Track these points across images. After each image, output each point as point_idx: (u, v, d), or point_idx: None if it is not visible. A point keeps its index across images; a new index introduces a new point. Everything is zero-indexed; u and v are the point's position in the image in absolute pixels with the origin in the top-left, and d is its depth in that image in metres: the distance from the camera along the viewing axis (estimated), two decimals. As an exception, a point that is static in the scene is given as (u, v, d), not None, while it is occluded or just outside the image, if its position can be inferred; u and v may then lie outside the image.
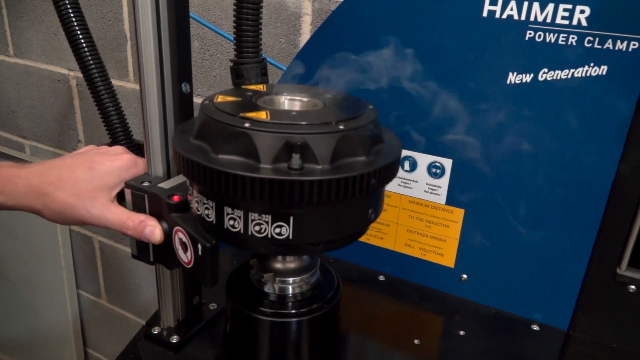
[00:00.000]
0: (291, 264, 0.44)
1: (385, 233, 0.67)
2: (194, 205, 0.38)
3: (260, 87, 0.45)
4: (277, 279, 0.43)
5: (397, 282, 0.67)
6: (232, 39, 0.85)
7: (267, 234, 0.35)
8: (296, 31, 0.84)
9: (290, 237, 0.35)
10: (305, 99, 0.42)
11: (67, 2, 0.56)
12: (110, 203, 0.43)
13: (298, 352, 0.44)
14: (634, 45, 0.47)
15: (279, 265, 0.44)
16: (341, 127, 0.35)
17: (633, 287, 0.54)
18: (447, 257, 0.63)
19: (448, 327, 0.60)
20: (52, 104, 1.23)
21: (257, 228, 0.35)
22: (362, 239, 0.68)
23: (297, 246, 0.37)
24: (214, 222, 0.36)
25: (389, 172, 0.37)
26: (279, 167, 0.33)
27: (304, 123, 0.35)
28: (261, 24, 0.55)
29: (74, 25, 0.56)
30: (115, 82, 1.10)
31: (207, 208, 0.36)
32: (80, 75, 1.14)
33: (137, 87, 1.09)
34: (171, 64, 0.44)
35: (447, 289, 0.64)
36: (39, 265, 1.36)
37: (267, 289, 0.43)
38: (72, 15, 0.56)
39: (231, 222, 0.35)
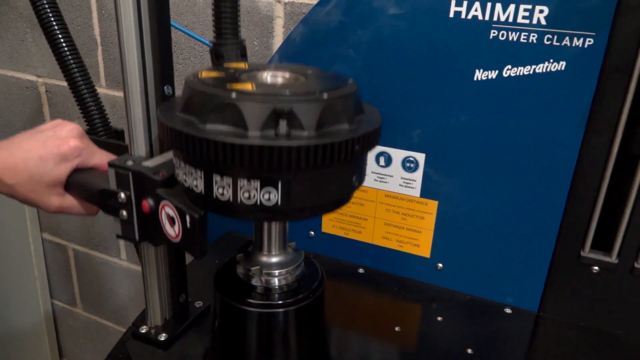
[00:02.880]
0: (276, 257, 0.46)
1: (364, 227, 0.69)
2: (181, 177, 0.39)
3: (242, 65, 0.46)
4: (263, 271, 0.44)
5: (376, 274, 0.69)
6: (206, 42, 0.86)
7: (256, 201, 0.36)
8: (269, 33, 0.86)
9: (279, 203, 0.36)
10: (287, 74, 0.43)
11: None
12: (64, 196, 0.50)
13: (286, 342, 0.45)
14: (589, 41, 0.50)
15: (265, 259, 0.45)
16: (325, 96, 0.36)
17: (596, 267, 0.57)
18: (423, 247, 0.66)
19: (426, 314, 0.62)
20: (21, 111, 1.21)
21: (245, 195, 0.36)
22: (341, 233, 0.70)
23: (285, 212, 0.38)
24: (203, 192, 0.37)
25: (372, 139, 0.39)
26: (266, 134, 0.35)
27: (288, 92, 0.36)
28: (239, 6, 0.57)
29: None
30: (86, 88, 1.09)
31: (195, 179, 0.37)
32: (49, 81, 1.13)
33: (108, 92, 1.08)
34: (154, 68, 0.45)
35: (424, 278, 0.67)
36: (11, 275, 1.33)
37: (255, 282, 0.45)
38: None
39: (220, 190, 0.37)
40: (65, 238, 1.33)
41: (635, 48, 0.49)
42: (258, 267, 0.44)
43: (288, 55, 0.66)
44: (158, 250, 0.50)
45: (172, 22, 0.70)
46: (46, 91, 1.16)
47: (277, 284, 0.45)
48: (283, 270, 0.45)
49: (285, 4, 0.83)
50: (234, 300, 0.44)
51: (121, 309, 1.31)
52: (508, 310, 0.63)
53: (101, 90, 1.08)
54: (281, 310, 0.43)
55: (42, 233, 1.36)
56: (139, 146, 0.47)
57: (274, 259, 0.45)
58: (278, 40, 0.86)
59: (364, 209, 0.68)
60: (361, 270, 0.70)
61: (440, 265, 0.66)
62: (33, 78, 1.16)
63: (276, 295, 0.44)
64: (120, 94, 1.07)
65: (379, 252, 0.69)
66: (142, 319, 0.55)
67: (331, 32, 0.61)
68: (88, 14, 1.03)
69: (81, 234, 1.30)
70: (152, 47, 0.45)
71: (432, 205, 0.63)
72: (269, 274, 0.44)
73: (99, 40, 1.04)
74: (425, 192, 0.63)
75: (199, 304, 0.57)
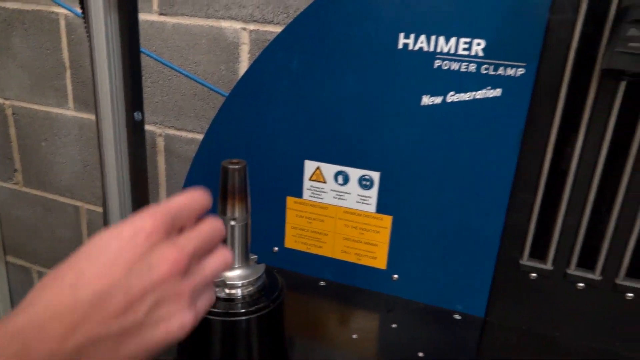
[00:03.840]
0: (239, 270, 0.49)
1: (324, 242, 0.73)
2: None
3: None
4: (226, 283, 0.48)
5: (336, 286, 0.73)
6: (174, 67, 0.90)
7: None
8: (235, 59, 0.90)
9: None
10: None
11: None
12: None
13: (249, 349, 0.49)
14: (521, 71, 0.56)
15: (228, 272, 0.49)
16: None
17: (534, 274, 0.63)
18: (379, 260, 0.70)
19: (382, 322, 0.66)
20: (-13, 132, 1.21)
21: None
22: (304, 248, 0.74)
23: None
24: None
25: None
26: None
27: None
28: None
29: None
30: (54, 110, 1.11)
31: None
32: (16, 103, 1.14)
33: (77, 114, 1.10)
34: (124, 94, 0.49)
35: (381, 289, 0.71)
36: (-27, 298, 1.31)
37: (218, 293, 0.48)
38: None
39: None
40: (30, 260, 1.32)
41: (560, 76, 0.55)
42: (222, 279, 0.48)
43: (253, 82, 0.70)
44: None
45: (141, 49, 0.74)
46: (13, 113, 1.17)
47: (239, 294, 0.48)
48: (245, 282, 0.48)
49: (251, 31, 0.88)
50: (200, 310, 0.47)
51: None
52: (457, 317, 0.67)
53: (69, 112, 1.10)
54: (244, 318, 0.47)
55: (5, 256, 1.35)
56: (109, 166, 0.50)
57: (237, 272, 0.49)
58: (244, 66, 0.90)
59: (324, 224, 0.72)
60: (322, 283, 0.73)
61: (395, 276, 0.70)
62: (0, 100, 1.17)
63: (239, 305, 0.47)
64: (88, 116, 1.09)
65: (339, 265, 0.73)
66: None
67: (287, 66, 0.66)
68: (57, 38, 1.05)
69: (46, 255, 1.30)
70: (123, 74, 0.49)
71: (387, 220, 0.68)
72: (232, 286, 0.48)
73: (67, 64, 1.06)
74: (381, 208, 0.68)
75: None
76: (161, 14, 0.93)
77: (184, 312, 0.31)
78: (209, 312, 0.46)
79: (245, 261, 0.49)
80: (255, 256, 0.51)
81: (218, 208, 0.47)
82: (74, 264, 0.30)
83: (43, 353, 0.27)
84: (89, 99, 1.07)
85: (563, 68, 0.55)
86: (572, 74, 0.54)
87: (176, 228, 0.33)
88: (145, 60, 0.95)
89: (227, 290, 0.48)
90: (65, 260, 0.30)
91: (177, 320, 0.31)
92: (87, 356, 0.28)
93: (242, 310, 0.47)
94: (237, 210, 0.46)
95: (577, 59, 0.54)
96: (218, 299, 0.48)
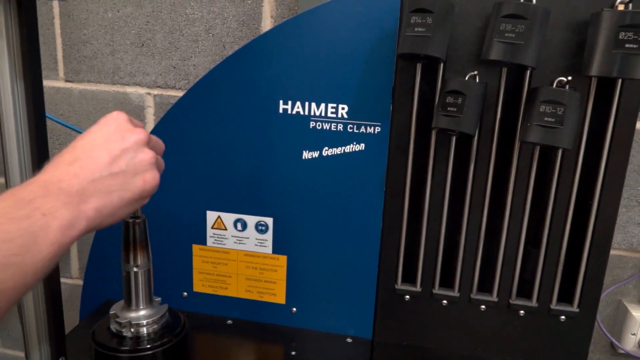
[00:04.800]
0: (143, 311, 0.56)
1: (229, 283, 0.81)
2: None
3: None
4: (132, 323, 0.54)
5: (242, 323, 0.80)
6: (80, 130, 0.96)
7: None
8: (141, 121, 0.98)
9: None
10: None
11: None
12: None
13: (155, 382, 0.55)
14: (378, 129, 0.69)
15: (133, 314, 0.55)
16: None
17: (407, 296, 0.74)
18: (279, 295, 0.79)
19: (283, 351, 0.75)
20: None
21: None
22: (211, 290, 0.81)
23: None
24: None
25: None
26: None
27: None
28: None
29: None
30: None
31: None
32: None
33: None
34: (32, 160, 0.55)
35: (282, 322, 0.80)
36: None
37: (125, 332, 0.54)
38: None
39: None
40: None
41: (408, 132, 0.68)
42: (128, 320, 0.54)
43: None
44: (38, 314, 0.57)
45: (46, 114, 0.81)
46: None
47: (145, 332, 0.55)
48: (150, 320, 0.55)
49: (155, 95, 0.96)
50: (109, 350, 0.53)
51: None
52: (349, 340, 0.77)
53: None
54: (149, 352, 0.53)
55: None
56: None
57: (142, 312, 0.55)
58: (150, 127, 0.98)
59: (227, 267, 0.80)
60: (230, 322, 0.81)
61: (294, 309, 0.79)
62: None
63: (145, 341, 0.54)
64: (-6, 178, 1.10)
65: (243, 303, 0.81)
66: (23, 384, 0.60)
67: (187, 127, 0.75)
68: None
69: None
70: (30, 142, 0.55)
71: (283, 259, 0.78)
72: (138, 325, 0.54)
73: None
74: (276, 249, 0.77)
75: (78, 365, 0.64)
76: (67, 80, 0.99)
77: (152, 168, 0.46)
78: (119, 351, 0.53)
79: (149, 303, 0.56)
80: (159, 298, 0.58)
81: (122, 258, 0.54)
82: (72, 143, 0.44)
83: (60, 195, 0.38)
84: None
85: (409, 125, 0.68)
86: (416, 129, 0.68)
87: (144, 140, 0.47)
88: (52, 125, 1.00)
89: (132, 330, 0.54)
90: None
91: (150, 174, 0.45)
92: (86, 196, 0.39)
93: (149, 346, 0.53)
94: (139, 258, 0.53)
95: (419, 118, 0.67)
96: (125, 337, 0.54)
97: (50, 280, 0.57)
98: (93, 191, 0.40)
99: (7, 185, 0.56)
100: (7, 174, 0.55)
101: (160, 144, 0.53)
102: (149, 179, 0.45)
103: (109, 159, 0.42)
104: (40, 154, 0.57)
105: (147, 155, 0.46)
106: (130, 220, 0.52)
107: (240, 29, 0.89)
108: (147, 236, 0.54)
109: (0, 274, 0.34)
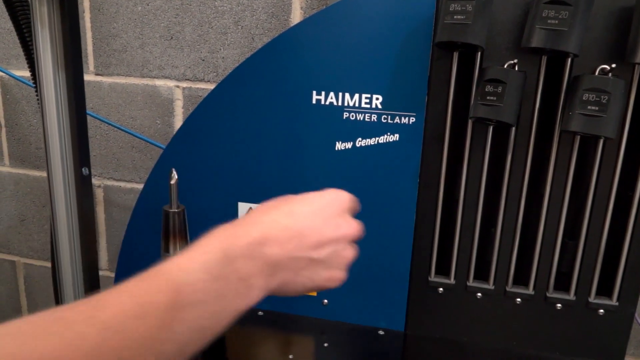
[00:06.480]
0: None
1: (260, 275, 0.81)
2: None
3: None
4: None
5: (274, 315, 0.80)
6: (111, 123, 0.97)
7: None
8: (170, 114, 0.98)
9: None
10: None
11: None
12: None
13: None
14: (413, 119, 0.68)
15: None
16: None
17: (441, 289, 0.74)
18: (310, 287, 0.79)
19: (316, 342, 0.74)
20: None
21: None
22: (241, 283, 0.81)
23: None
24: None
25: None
26: None
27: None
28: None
29: None
30: (-10, 167, 1.13)
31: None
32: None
33: (12, 170, 1.13)
34: (72, 151, 0.56)
35: (313, 314, 0.79)
36: None
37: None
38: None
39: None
40: None
41: (444, 122, 0.68)
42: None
43: (189, 136, 0.78)
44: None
45: (87, 112, 0.82)
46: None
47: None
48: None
49: (184, 88, 0.97)
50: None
51: None
52: (381, 332, 0.77)
53: (5, 168, 1.13)
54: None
55: None
56: (61, 219, 0.56)
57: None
58: (179, 119, 0.98)
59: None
60: (260, 313, 0.81)
61: (325, 301, 0.79)
62: None
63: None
64: (25, 171, 1.12)
65: (274, 295, 0.80)
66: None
67: (219, 120, 0.75)
68: (-8, 98, 1.09)
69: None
70: (71, 132, 0.56)
71: (314, 251, 0.77)
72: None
73: (3, 122, 1.10)
74: (308, 241, 0.77)
75: None
76: (97, 74, 1.00)
77: (342, 269, 0.44)
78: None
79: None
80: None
81: (161, 247, 0.54)
82: (288, 203, 0.42)
83: (259, 261, 0.37)
84: (24, 156, 1.11)
85: (445, 115, 0.67)
86: (452, 120, 0.67)
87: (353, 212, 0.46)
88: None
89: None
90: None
91: (339, 273, 0.44)
92: (280, 269, 0.39)
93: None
94: (178, 249, 0.54)
95: (455, 108, 0.66)
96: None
97: (90, 276, 0.57)
98: (286, 267, 0.39)
99: (49, 182, 0.57)
100: (49, 171, 0.56)
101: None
102: (336, 277, 0.44)
103: (316, 244, 0.41)
104: (81, 149, 0.57)
105: (349, 254, 0.44)
106: (170, 210, 0.52)
107: (270, 20, 0.89)
108: (186, 226, 0.54)
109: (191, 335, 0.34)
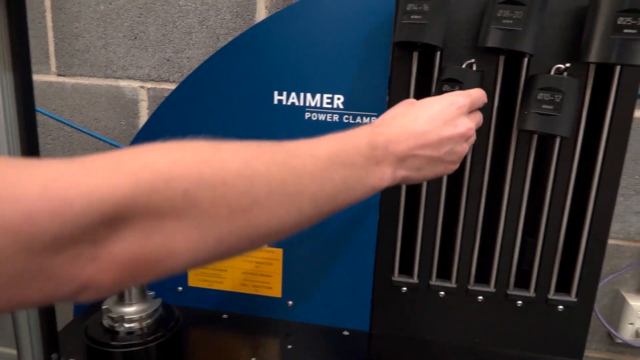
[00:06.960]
0: (136, 306, 0.55)
1: (225, 277, 0.80)
2: None
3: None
4: (125, 318, 0.53)
5: (238, 317, 0.79)
6: (72, 125, 0.95)
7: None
8: (135, 115, 0.97)
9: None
10: None
11: None
12: None
13: (150, 377, 0.54)
14: (374, 119, 0.68)
15: (125, 309, 0.55)
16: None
17: (404, 288, 0.74)
18: (274, 289, 0.78)
19: (280, 344, 0.74)
20: None
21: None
22: (206, 285, 0.80)
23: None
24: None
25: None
26: None
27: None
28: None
29: None
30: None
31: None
32: None
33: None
34: (20, 150, 0.54)
35: (278, 316, 0.79)
36: None
37: (118, 327, 0.53)
38: None
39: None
40: None
41: (405, 123, 0.68)
42: (120, 315, 0.53)
43: (151, 135, 0.77)
44: (30, 310, 0.56)
45: (37, 108, 0.79)
46: None
47: (138, 327, 0.54)
48: (143, 315, 0.54)
49: (149, 89, 0.95)
50: (102, 346, 0.52)
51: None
52: (346, 333, 0.76)
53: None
54: (142, 347, 0.52)
55: None
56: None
57: (135, 307, 0.55)
58: (143, 120, 0.97)
59: (223, 261, 0.79)
60: (225, 316, 0.80)
61: (290, 302, 0.78)
62: None
63: (138, 336, 0.53)
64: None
65: (239, 297, 0.80)
66: (15, 380, 0.59)
67: (181, 120, 0.74)
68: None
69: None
70: (20, 140, 0.54)
71: (278, 252, 0.77)
72: (131, 320, 0.54)
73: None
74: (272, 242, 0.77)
75: (71, 360, 0.63)
76: (60, 74, 0.98)
77: (456, 163, 0.51)
78: (111, 346, 0.52)
79: (142, 297, 0.55)
80: (153, 292, 0.57)
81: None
82: (414, 109, 0.49)
83: (391, 153, 0.45)
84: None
85: (406, 115, 0.67)
86: (412, 120, 0.67)
87: (471, 109, 0.52)
88: (44, 119, 0.99)
89: (126, 325, 0.53)
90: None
91: (452, 166, 0.51)
92: (405, 164, 0.46)
93: (140, 341, 0.52)
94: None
95: (415, 108, 0.66)
96: (117, 332, 0.53)
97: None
98: (411, 163, 0.47)
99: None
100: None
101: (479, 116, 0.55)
102: (450, 169, 0.51)
103: (436, 143, 0.47)
104: (30, 149, 0.56)
105: (464, 149, 0.50)
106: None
107: (234, 20, 0.88)
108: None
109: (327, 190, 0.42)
